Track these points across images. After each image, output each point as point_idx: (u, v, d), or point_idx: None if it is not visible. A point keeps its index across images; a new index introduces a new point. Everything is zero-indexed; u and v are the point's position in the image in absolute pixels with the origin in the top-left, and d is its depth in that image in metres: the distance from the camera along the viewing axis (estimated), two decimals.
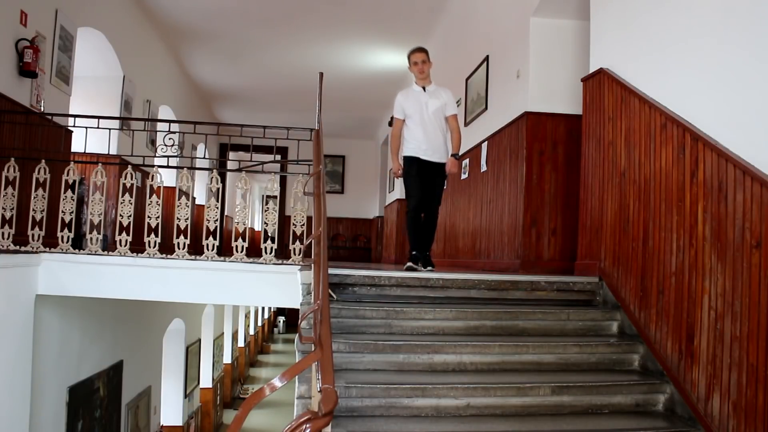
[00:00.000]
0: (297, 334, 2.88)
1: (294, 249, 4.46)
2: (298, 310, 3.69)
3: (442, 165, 4.67)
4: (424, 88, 4.69)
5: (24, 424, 4.26)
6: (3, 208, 4.41)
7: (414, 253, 4.55)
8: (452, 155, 4.69)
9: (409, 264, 4.43)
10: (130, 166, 4.64)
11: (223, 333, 13.26)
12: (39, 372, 4.49)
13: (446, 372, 3.13)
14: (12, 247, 4.36)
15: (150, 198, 4.56)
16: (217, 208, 4.59)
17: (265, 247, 4.49)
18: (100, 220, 4.57)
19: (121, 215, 4.52)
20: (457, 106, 4.78)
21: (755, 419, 2.51)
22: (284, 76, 10.39)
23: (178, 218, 4.52)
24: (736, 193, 2.68)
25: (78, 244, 4.80)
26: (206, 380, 11.39)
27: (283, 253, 4.71)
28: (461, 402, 2.87)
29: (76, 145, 5.31)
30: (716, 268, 2.79)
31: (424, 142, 4.62)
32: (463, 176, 6.55)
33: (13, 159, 4.46)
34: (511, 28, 5.49)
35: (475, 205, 6.21)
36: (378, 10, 7.80)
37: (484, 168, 5.96)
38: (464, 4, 7.09)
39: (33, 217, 4.48)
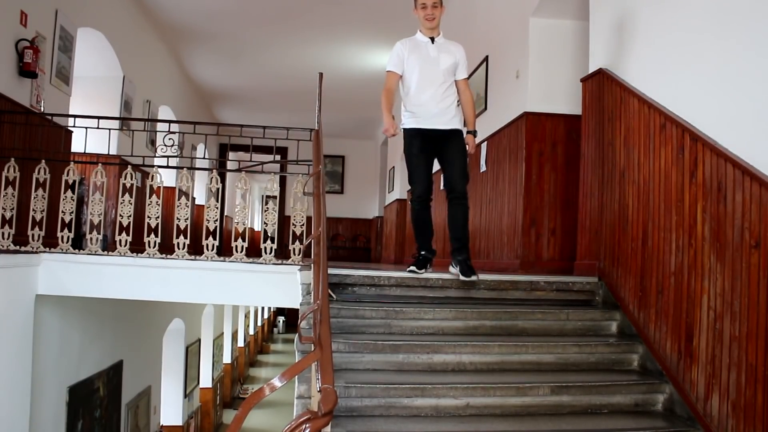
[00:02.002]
0: (297, 334, 2.88)
1: (294, 249, 4.46)
2: (297, 310, 3.70)
3: (455, 132, 3.85)
4: (432, 40, 3.86)
5: (24, 424, 4.26)
6: (3, 208, 4.41)
7: (422, 253, 3.85)
8: (469, 131, 3.89)
9: (412, 268, 3.75)
10: (130, 166, 4.65)
11: (222, 333, 13.26)
12: (39, 372, 4.50)
13: (446, 372, 3.13)
14: (12, 247, 4.37)
15: (150, 198, 4.57)
16: (217, 208, 4.60)
17: (265, 247, 4.50)
18: (100, 220, 4.57)
19: (121, 215, 4.53)
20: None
21: (754, 419, 2.51)
22: (284, 77, 10.39)
23: (177, 218, 4.52)
24: (735, 193, 2.69)
25: (78, 244, 4.81)
26: (206, 380, 11.40)
27: (282, 253, 4.72)
28: (461, 402, 2.88)
29: (76, 146, 5.31)
30: (715, 268, 2.79)
31: (431, 105, 3.78)
32: None
33: (13, 159, 4.47)
34: (510, 28, 5.49)
35: (475, 205, 6.21)
36: (377, 10, 7.80)
37: (483, 168, 5.96)
38: (463, 5, 7.09)
39: (33, 217, 4.48)
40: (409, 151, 3.88)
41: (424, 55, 3.82)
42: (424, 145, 3.82)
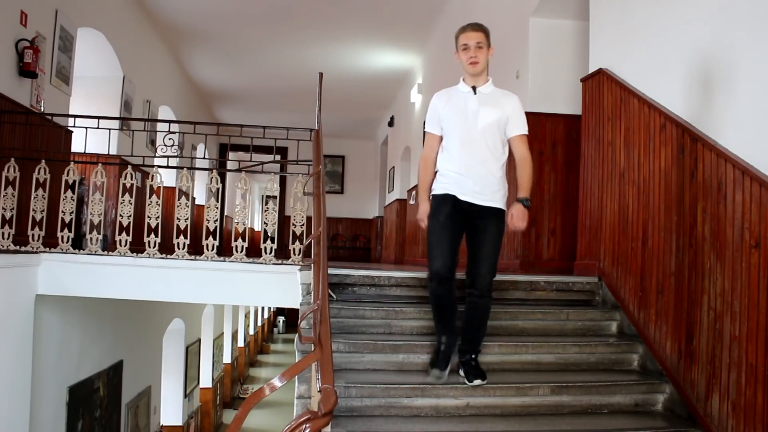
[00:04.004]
0: (297, 334, 2.88)
1: (294, 249, 4.46)
2: (297, 310, 3.70)
3: (495, 211, 3.02)
4: (474, 89, 3.08)
5: (24, 424, 4.26)
6: (3, 208, 4.41)
7: (442, 348, 3.00)
8: (519, 200, 3.00)
9: (434, 371, 2.94)
10: (130, 166, 4.65)
11: (222, 333, 13.27)
12: (39, 372, 4.50)
13: None
14: (12, 247, 4.36)
15: (150, 198, 4.56)
16: (217, 208, 4.59)
17: (265, 247, 4.49)
18: (100, 220, 4.57)
19: (121, 215, 4.53)
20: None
21: (754, 419, 2.52)
22: (284, 77, 10.39)
23: (178, 218, 4.52)
24: (735, 193, 2.69)
25: (78, 244, 4.80)
26: (206, 380, 11.40)
27: (282, 253, 4.72)
28: (460, 402, 2.88)
29: (76, 146, 5.31)
30: (715, 268, 2.79)
31: (465, 172, 3.00)
32: None
33: (13, 159, 4.47)
34: (510, 28, 5.49)
35: None
36: (377, 10, 7.80)
37: None
38: (463, 5, 7.09)
39: (33, 217, 4.48)
40: (434, 219, 3.05)
41: (462, 108, 3.06)
42: (453, 214, 3.02)
